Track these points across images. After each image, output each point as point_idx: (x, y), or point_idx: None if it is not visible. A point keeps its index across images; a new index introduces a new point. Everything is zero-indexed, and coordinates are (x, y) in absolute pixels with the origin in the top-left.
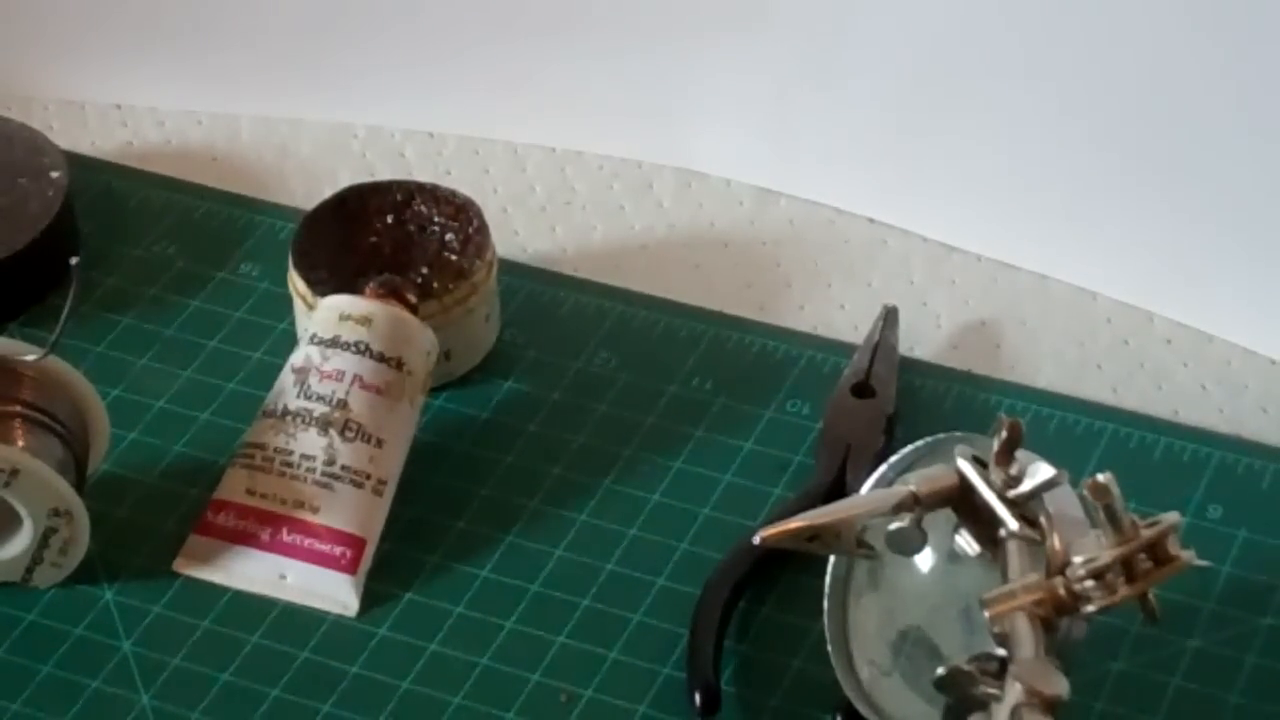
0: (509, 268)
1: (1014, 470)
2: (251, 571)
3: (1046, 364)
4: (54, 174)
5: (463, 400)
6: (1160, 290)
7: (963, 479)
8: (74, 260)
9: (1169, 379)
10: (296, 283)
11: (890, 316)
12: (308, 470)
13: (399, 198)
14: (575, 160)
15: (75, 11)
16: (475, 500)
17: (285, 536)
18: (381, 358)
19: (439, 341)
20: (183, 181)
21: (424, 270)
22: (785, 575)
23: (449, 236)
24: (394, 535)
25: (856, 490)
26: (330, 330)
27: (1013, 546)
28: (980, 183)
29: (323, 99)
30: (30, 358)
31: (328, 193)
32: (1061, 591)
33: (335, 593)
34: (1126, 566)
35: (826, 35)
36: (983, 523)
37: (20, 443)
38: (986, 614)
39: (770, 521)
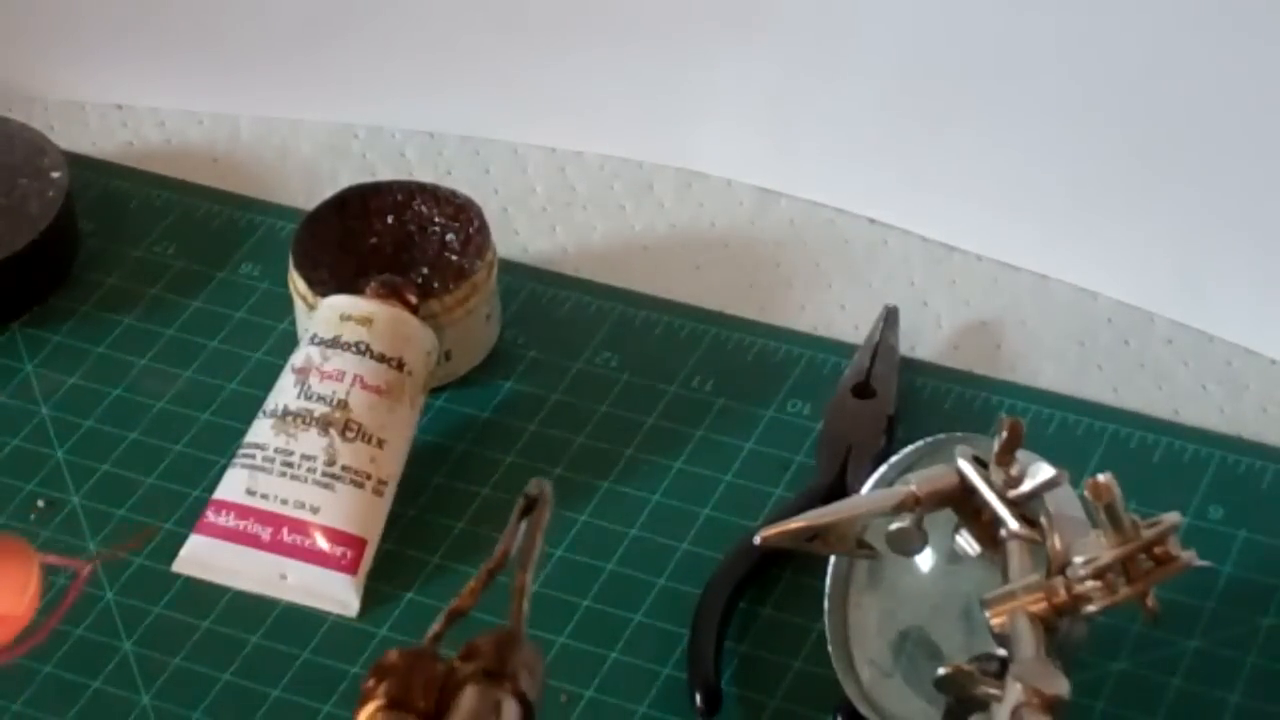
0: (509, 268)
1: (1015, 470)
2: (252, 572)
3: (1047, 364)
4: (54, 174)
5: (463, 400)
6: (1161, 290)
7: (963, 479)
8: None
9: (1170, 379)
10: (297, 283)
11: (891, 317)
12: (308, 470)
13: (399, 198)
14: (575, 160)
15: (75, 11)
16: (476, 500)
17: (286, 537)
18: (382, 358)
19: (439, 341)
20: (183, 182)
21: (425, 270)
22: (786, 575)
23: (449, 237)
24: (395, 535)
25: (857, 490)
26: (331, 330)
27: (1013, 547)
28: (980, 183)
29: (323, 99)
30: None
31: (328, 193)
32: (1062, 592)
33: (336, 593)
34: (1127, 567)
35: (827, 35)
36: (983, 523)
37: None
38: (987, 614)
39: (771, 522)
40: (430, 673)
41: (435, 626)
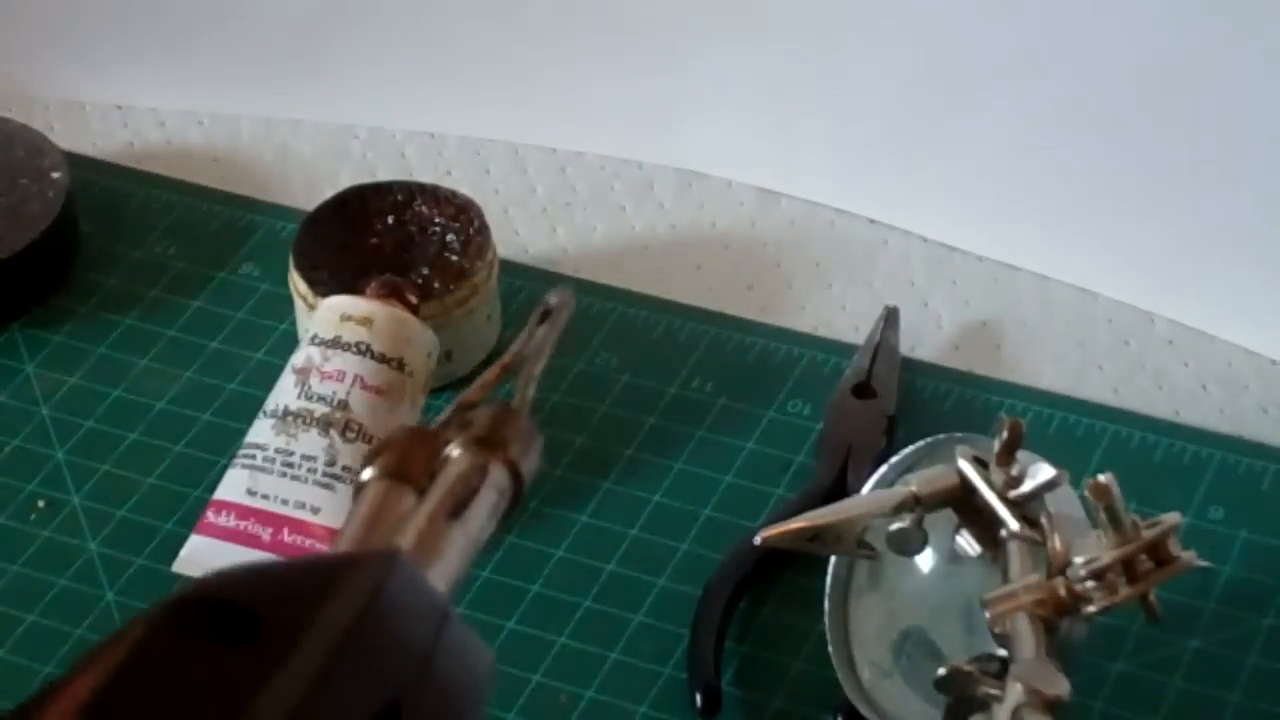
0: (510, 268)
1: (1015, 471)
2: None
3: (1047, 364)
4: (55, 175)
5: None
6: (1161, 290)
7: (963, 479)
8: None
9: (1170, 379)
10: (297, 283)
11: (891, 317)
12: (309, 471)
13: (400, 198)
14: (576, 161)
15: (76, 11)
16: None
17: (286, 537)
18: (382, 358)
19: (440, 342)
20: (183, 182)
21: (425, 271)
22: (786, 576)
23: (450, 237)
24: None
25: (857, 491)
26: (331, 331)
27: (1014, 547)
28: (980, 183)
29: (324, 100)
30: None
31: (329, 193)
32: (1062, 592)
33: None
34: (1127, 567)
35: (827, 36)
36: (984, 523)
37: None
38: (987, 614)
39: (771, 522)
40: (430, 449)
41: (443, 415)
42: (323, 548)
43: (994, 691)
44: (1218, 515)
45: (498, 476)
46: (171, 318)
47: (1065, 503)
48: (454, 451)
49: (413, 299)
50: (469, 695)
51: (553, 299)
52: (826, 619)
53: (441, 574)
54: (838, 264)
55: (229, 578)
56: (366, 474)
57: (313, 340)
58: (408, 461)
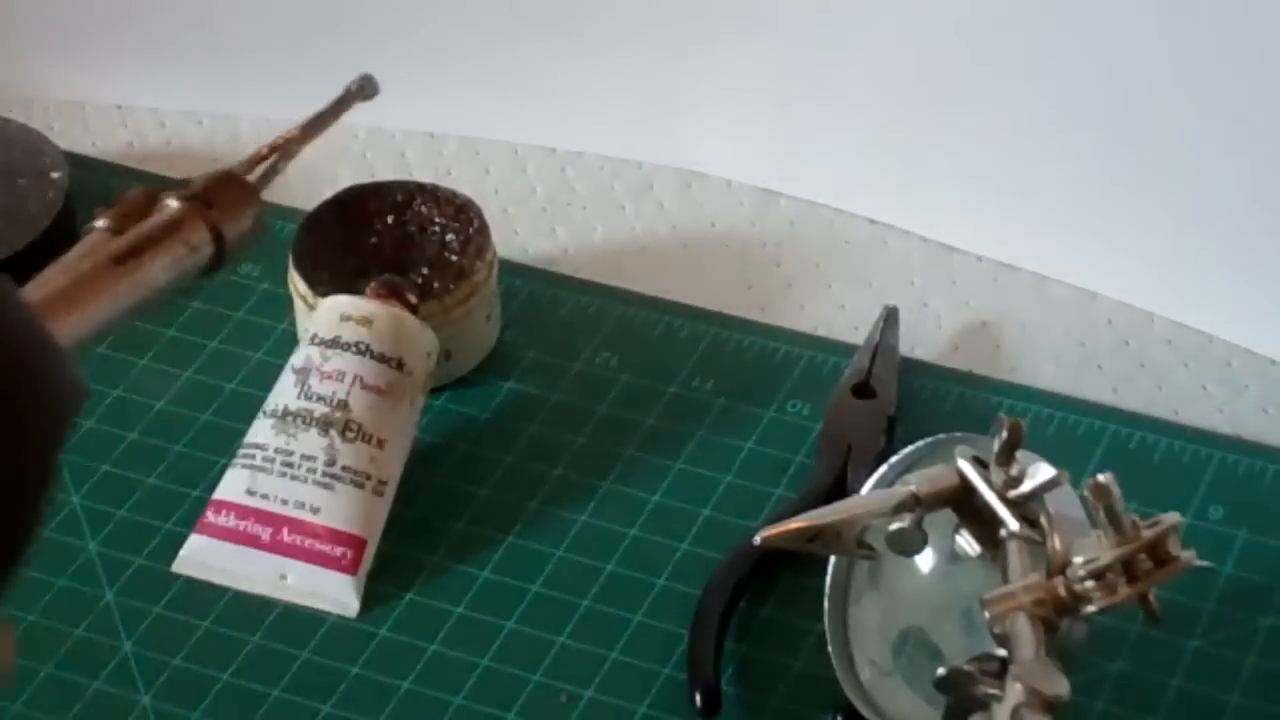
0: (509, 268)
1: (1014, 471)
2: (252, 572)
3: (1047, 364)
4: (54, 174)
5: (463, 401)
6: (1160, 290)
7: (963, 479)
8: None
9: (1169, 379)
10: (297, 283)
11: (891, 317)
12: (308, 471)
13: (399, 198)
14: (576, 161)
15: (76, 12)
16: (476, 501)
17: (286, 537)
18: (382, 358)
19: (439, 342)
20: (183, 181)
21: (424, 271)
22: (786, 576)
23: (449, 237)
24: (395, 536)
25: (857, 491)
26: (331, 331)
27: (1013, 547)
28: (980, 183)
29: (323, 100)
30: None
31: (328, 193)
32: (1062, 592)
33: (336, 593)
34: (1127, 567)
35: (827, 36)
36: (983, 523)
37: None
38: (987, 614)
39: (771, 522)
40: (152, 204)
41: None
42: (323, 547)
43: (994, 691)
44: (1218, 515)
45: (191, 233)
46: (171, 318)
47: (1065, 503)
48: (166, 204)
49: (412, 299)
50: (39, 433)
51: (355, 85)
52: (826, 619)
53: (85, 313)
54: (838, 264)
55: None
56: (96, 223)
57: (312, 340)
58: (129, 215)
